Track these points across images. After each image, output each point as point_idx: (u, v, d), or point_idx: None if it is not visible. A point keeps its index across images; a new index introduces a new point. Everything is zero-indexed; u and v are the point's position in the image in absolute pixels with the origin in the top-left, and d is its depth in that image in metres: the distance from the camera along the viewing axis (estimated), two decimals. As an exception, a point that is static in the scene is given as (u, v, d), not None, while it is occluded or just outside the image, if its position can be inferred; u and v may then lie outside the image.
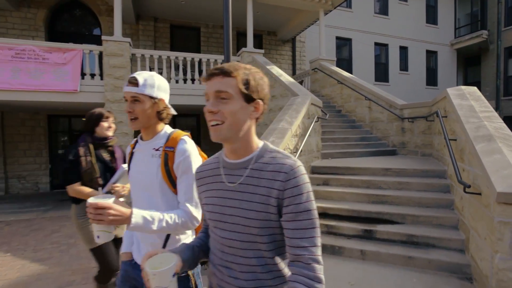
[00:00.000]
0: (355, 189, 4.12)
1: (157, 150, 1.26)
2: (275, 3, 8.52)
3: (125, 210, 1.04)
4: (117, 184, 2.02)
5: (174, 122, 10.59)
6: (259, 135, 6.13)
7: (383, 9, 13.76)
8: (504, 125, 2.95)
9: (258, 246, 0.82)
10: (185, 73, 8.15)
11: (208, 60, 7.62)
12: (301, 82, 9.90)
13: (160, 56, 7.35)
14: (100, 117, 2.14)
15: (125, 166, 1.96)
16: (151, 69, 8.37)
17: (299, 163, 0.83)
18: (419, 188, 3.90)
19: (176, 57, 7.40)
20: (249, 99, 0.83)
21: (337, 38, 12.75)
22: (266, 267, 0.83)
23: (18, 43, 6.19)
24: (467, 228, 2.92)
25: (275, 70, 6.95)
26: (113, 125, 2.23)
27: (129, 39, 6.95)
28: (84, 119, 2.17)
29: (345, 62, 12.95)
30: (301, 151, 4.13)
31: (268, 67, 7.12)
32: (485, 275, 2.39)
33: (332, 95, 8.27)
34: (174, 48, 10.31)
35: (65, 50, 6.47)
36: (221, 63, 7.38)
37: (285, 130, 3.77)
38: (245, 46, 8.11)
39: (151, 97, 1.22)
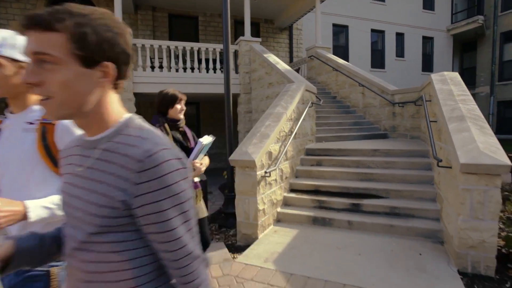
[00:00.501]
0: (346, 168, 4.48)
1: (31, 123, 1.07)
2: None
3: (16, 207, 0.91)
4: (197, 160, 1.97)
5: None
6: (255, 122, 6.48)
7: (379, -5, 13.84)
8: (476, 107, 3.28)
9: (101, 248, 0.63)
10: (184, 62, 8.40)
11: (207, 49, 7.85)
12: (297, 70, 10.14)
13: (160, 46, 7.57)
14: (175, 99, 2.12)
15: (203, 140, 1.92)
16: (151, 59, 8.60)
17: (162, 145, 0.63)
18: (404, 167, 4.26)
19: (176, 47, 7.61)
20: (89, 62, 0.61)
21: (334, 25, 12.89)
22: (111, 276, 0.64)
23: (22, 34, 6.40)
24: (441, 199, 3.29)
25: (272, 58, 7.21)
26: (184, 107, 2.21)
27: (128, 29, 7.14)
28: (157, 99, 2.15)
29: (341, 49, 13.14)
30: (295, 134, 4.47)
31: (265, 55, 7.37)
32: (451, 235, 2.78)
33: (328, 82, 8.55)
34: (173, 37, 10.49)
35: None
36: (220, 52, 7.59)
37: (281, 114, 4.10)
38: (243, 34, 8.31)
39: (14, 60, 1.02)
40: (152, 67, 8.04)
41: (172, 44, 7.58)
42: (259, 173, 3.44)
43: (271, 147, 3.75)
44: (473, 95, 16.23)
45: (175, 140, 2.09)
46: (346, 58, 13.13)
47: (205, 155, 2.11)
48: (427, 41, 15.05)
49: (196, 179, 2.15)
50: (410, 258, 2.84)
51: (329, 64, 8.30)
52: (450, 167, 2.90)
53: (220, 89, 7.99)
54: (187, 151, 2.09)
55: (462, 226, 2.54)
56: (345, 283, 2.52)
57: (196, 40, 10.83)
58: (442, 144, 3.39)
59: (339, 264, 2.80)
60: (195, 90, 7.63)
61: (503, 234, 3.10)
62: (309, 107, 5.14)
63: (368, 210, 3.71)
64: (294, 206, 4.10)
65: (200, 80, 7.76)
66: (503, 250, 2.83)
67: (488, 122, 15.27)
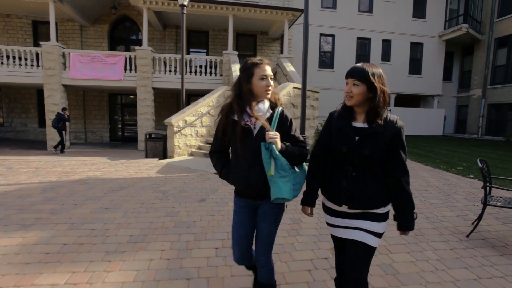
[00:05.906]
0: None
1: None
2: (251, 17, 12.93)
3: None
4: None
5: (189, 100, 15.92)
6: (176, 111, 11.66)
7: (367, 7, 16.76)
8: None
9: None
10: (191, 68, 13.21)
11: (195, 58, 12.53)
12: (275, 74, 14.18)
13: (170, 57, 12.50)
14: None
15: None
16: (165, 65, 13.65)
17: None
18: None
19: (175, 58, 12.45)
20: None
21: (321, 34, 16.40)
22: None
23: (92, 52, 11.95)
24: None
25: (234, 68, 11.53)
26: None
27: (151, 48, 12.23)
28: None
29: (328, 55, 16.59)
30: (213, 114, 8.86)
31: (232, 65, 11.73)
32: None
33: (283, 84, 12.50)
34: (190, 47, 15.48)
35: (115, 55, 12.07)
36: (210, 61, 12.41)
37: (198, 102, 8.56)
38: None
39: None
40: (164, 71, 13.05)
41: (177, 56, 12.43)
42: (175, 128, 8.01)
43: (187, 118, 8.26)
44: (467, 97, 17.98)
45: None
46: (331, 63, 16.58)
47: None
48: (416, 47, 17.35)
49: None
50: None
51: (283, 71, 12.27)
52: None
53: (206, 86, 12.66)
54: None
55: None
56: (195, 168, 6.94)
57: (207, 48, 15.63)
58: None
59: (199, 164, 7.23)
60: (190, 86, 12.39)
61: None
62: (229, 100, 9.44)
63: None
64: (202, 149, 8.56)
65: (193, 80, 12.50)
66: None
67: (478, 124, 17.11)
